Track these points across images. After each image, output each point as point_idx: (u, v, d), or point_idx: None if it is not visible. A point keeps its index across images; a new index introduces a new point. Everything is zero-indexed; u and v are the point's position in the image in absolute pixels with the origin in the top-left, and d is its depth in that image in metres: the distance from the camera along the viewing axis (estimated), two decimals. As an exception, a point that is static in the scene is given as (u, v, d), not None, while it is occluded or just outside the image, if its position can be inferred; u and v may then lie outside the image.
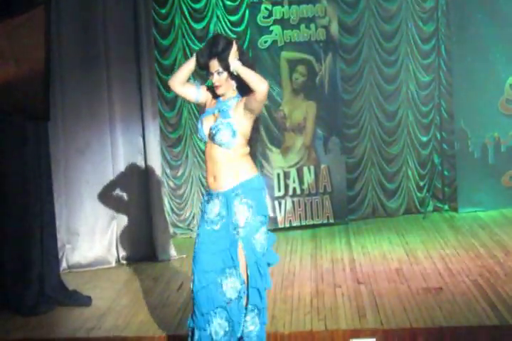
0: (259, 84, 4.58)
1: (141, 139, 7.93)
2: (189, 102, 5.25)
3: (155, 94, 8.01)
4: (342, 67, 9.20)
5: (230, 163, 4.74)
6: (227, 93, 4.78)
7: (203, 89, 4.90)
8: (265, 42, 8.92)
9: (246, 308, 4.80)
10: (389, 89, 9.35)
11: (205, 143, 4.88)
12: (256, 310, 4.83)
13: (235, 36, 8.81)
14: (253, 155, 4.87)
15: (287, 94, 9.03)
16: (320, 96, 9.08)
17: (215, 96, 4.86)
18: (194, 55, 4.84)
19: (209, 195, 4.86)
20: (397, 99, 9.35)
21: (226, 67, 4.67)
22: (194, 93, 4.85)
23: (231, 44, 4.71)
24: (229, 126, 4.70)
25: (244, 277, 4.78)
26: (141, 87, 7.89)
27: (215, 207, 4.80)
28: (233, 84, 4.76)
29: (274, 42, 8.94)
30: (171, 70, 8.54)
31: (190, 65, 4.81)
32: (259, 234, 4.80)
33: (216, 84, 4.73)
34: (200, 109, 5.18)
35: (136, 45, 7.89)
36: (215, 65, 4.69)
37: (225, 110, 4.76)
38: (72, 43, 7.56)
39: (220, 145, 4.73)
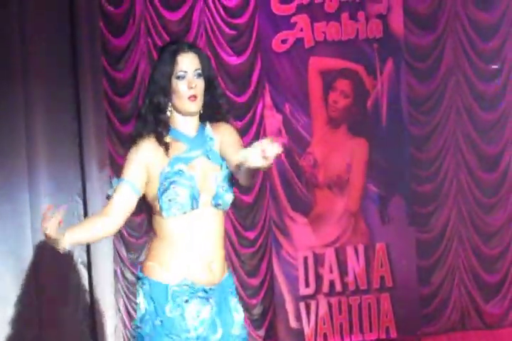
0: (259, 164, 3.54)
1: (81, 201, 6.88)
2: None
3: (103, 128, 6.85)
4: (410, 81, 7.69)
5: (223, 236, 4.02)
6: (195, 117, 3.85)
7: (136, 171, 3.75)
8: (283, 41, 7.44)
9: None
10: (488, 118, 7.74)
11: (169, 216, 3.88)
12: None
13: (233, 32, 7.54)
14: None
15: (320, 126, 7.59)
16: (374, 130, 7.70)
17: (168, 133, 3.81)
18: None
19: (192, 292, 3.88)
20: (501, 135, 7.79)
21: (208, 73, 3.90)
22: (134, 196, 3.75)
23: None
24: (228, 176, 3.94)
25: None
26: (80, 118, 6.80)
27: (202, 312, 3.85)
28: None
29: (298, 41, 7.49)
30: (128, 90, 7.06)
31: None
32: None
33: (193, 92, 3.76)
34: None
35: (72, 48, 6.80)
36: (194, 62, 3.79)
37: (211, 149, 3.84)
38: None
39: (223, 208, 3.93)
